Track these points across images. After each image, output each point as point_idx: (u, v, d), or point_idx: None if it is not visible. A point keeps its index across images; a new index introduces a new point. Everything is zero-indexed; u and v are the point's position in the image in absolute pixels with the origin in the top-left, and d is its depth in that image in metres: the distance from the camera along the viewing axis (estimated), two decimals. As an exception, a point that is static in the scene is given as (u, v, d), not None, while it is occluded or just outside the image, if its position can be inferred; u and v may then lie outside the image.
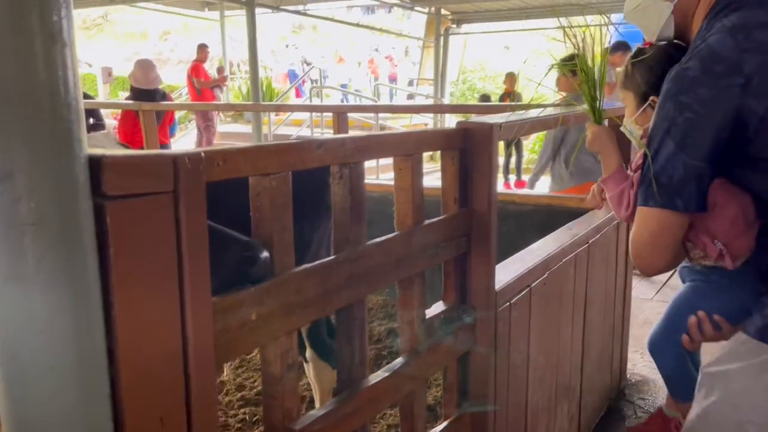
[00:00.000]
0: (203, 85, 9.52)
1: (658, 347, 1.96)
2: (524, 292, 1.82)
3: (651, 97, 1.31)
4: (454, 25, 13.68)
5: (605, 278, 2.63)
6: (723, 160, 1.12)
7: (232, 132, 11.80)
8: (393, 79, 19.25)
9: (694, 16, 1.25)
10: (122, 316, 0.74)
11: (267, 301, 1.01)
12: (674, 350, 1.72)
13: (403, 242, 1.37)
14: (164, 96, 6.21)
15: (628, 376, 3.15)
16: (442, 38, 13.28)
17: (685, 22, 1.27)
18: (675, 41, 1.38)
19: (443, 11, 13.10)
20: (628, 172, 1.39)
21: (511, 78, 10.07)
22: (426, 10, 13.00)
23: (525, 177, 9.62)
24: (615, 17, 12.12)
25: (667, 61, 1.28)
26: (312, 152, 1.12)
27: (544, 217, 3.10)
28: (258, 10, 9.53)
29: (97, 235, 0.72)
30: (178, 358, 0.82)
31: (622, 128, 1.46)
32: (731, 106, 1.07)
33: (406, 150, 1.39)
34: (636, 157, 1.39)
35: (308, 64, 18.99)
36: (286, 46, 22.72)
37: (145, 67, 5.72)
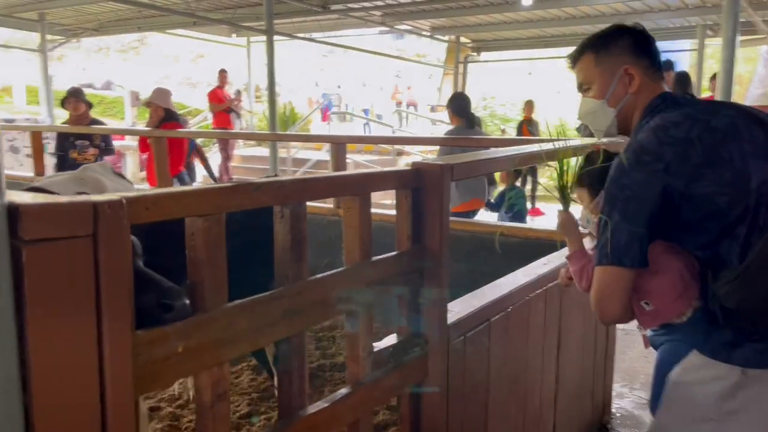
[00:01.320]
0: (215, 109, 9.75)
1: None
2: (482, 325, 1.88)
3: (602, 192, 1.60)
4: (474, 53, 13.82)
5: (584, 311, 2.65)
6: (659, 225, 1.42)
7: (253, 156, 12.02)
8: (411, 105, 19.47)
9: (632, 117, 1.60)
10: (37, 350, 0.83)
11: (195, 335, 1.09)
12: None
13: (348, 277, 1.44)
14: (183, 122, 6.38)
15: (613, 410, 3.15)
16: (461, 65, 13.43)
17: (626, 122, 1.61)
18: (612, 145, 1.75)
19: (463, 39, 13.26)
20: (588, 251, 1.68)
21: (529, 105, 10.14)
22: (446, 38, 13.18)
23: (539, 204, 9.65)
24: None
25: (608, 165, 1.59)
26: (250, 194, 1.21)
27: (531, 250, 3.14)
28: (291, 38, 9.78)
29: (15, 275, 0.81)
30: (94, 389, 0.90)
31: (579, 217, 1.76)
32: (659, 184, 1.40)
33: (352, 190, 1.47)
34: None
35: (337, 88, 19.29)
36: (320, 70, 23.06)
37: (161, 94, 5.92)
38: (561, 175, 1.69)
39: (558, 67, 19.03)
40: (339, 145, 3.82)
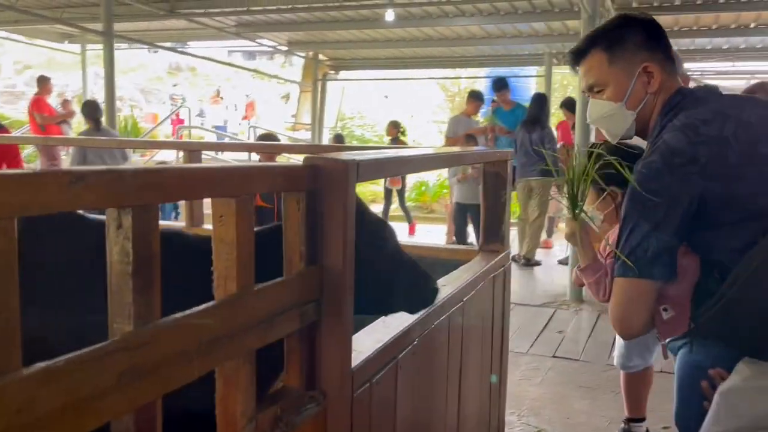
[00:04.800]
0: (47, 121, 8.66)
1: (684, 426, 1.72)
2: (389, 366, 1.50)
3: (611, 187, 1.51)
4: (332, 71, 13.62)
5: (481, 337, 2.37)
6: (688, 230, 1.31)
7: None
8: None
9: (651, 118, 1.46)
10: None
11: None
12: (703, 420, 1.52)
13: (221, 315, 1.00)
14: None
15: (506, 441, 2.90)
16: (319, 83, 13.15)
17: (645, 123, 1.47)
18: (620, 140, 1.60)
19: (321, 56, 13.01)
20: (600, 260, 1.57)
21: (394, 126, 9.98)
22: (303, 54, 12.85)
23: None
24: (492, 71, 12.64)
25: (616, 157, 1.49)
26: (64, 189, 0.74)
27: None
28: (134, 48, 8.91)
29: None
30: None
31: (583, 214, 1.60)
32: (694, 189, 1.28)
33: (229, 190, 1.03)
34: (608, 244, 1.56)
35: (182, 104, 18.14)
36: (173, 86, 21.66)
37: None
38: (572, 182, 1.52)
39: (413, 90, 19.49)
40: (192, 154, 3.29)
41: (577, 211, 1.55)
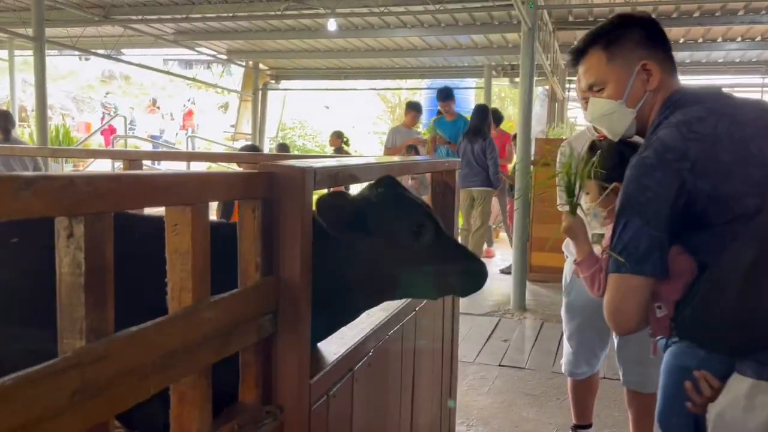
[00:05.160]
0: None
1: (666, 424, 1.71)
2: (346, 378, 1.47)
3: (614, 183, 1.49)
4: (273, 81, 13.50)
5: (432, 348, 2.37)
6: (679, 228, 1.30)
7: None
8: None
9: (650, 116, 1.46)
10: None
11: None
12: (684, 421, 1.55)
13: (177, 328, 0.95)
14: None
15: (456, 452, 2.90)
16: (260, 93, 13.00)
17: (644, 121, 1.47)
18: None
19: (262, 66, 12.88)
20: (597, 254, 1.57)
21: (337, 136, 9.93)
22: (243, 63, 12.68)
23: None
24: (432, 82, 12.78)
25: (618, 154, 1.52)
26: (11, 196, 0.69)
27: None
28: (65, 54, 8.56)
29: None
30: None
31: (586, 209, 1.62)
32: (684, 186, 1.28)
33: (185, 197, 0.99)
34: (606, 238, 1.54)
35: (116, 112, 17.55)
36: (106, 94, 20.89)
37: None
38: (570, 176, 1.53)
39: (355, 101, 19.52)
40: (133, 163, 3.18)
41: (574, 205, 1.55)
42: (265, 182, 1.19)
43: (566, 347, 2.70)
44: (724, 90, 1.47)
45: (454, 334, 2.70)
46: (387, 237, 1.38)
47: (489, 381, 3.82)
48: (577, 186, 1.53)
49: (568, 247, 2.66)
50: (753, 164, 1.27)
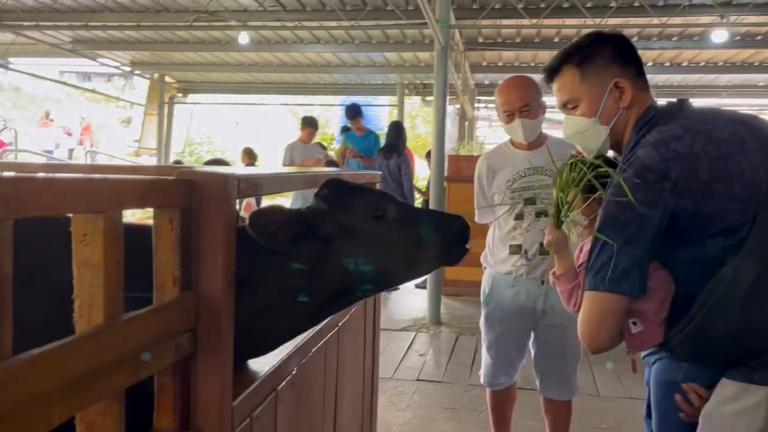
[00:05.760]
0: None
1: None
2: (269, 399, 1.39)
3: (598, 192, 1.48)
4: (180, 94, 13.09)
5: (354, 365, 2.31)
6: (659, 247, 1.31)
7: None
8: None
9: (624, 133, 1.48)
10: None
11: None
12: (681, 431, 1.56)
13: (85, 350, 0.86)
14: None
15: (377, 470, 2.85)
16: (166, 106, 12.56)
17: (618, 138, 1.49)
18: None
19: (168, 78, 12.47)
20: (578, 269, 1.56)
21: (248, 154, 9.69)
22: (148, 75, 12.23)
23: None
24: (345, 99, 12.79)
25: (597, 166, 1.51)
26: None
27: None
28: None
29: None
30: None
31: (569, 218, 1.63)
32: (666, 206, 1.28)
33: (96, 205, 0.89)
34: (582, 252, 1.56)
35: (5, 125, 16.41)
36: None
37: None
38: (561, 191, 1.54)
39: (266, 116, 19.24)
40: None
41: (561, 219, 1.56)
42: (185, 190, 1.11)
43: (485, 358, 2.71)
44: (691, 102, 1.49)
45: (375, 349, 2.66)
46: (348, 233, 1.31)
47: (407, 396, 3.79)
48: (568, 202, 1.54)
49: (486, 258, 2.69)
50: (733, 180, 1.28)
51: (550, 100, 2.01)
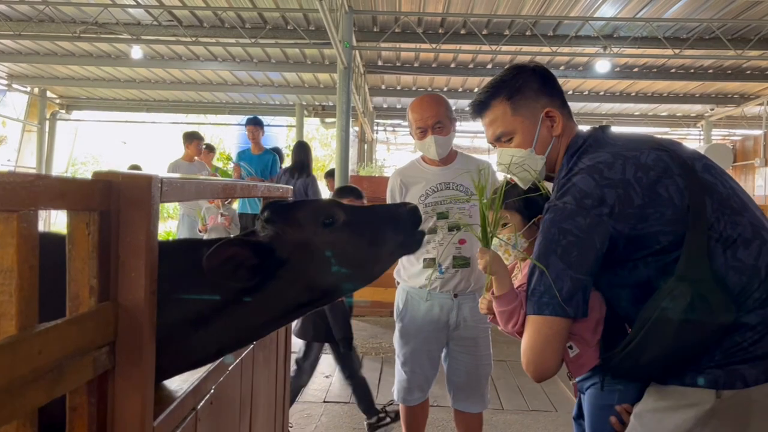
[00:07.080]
0: None
1: None
2: (189, 418, 1.31)
3: (538, 216, 1.51)
4: (63, 111, 12.35)
5: (267, 382, 2.23)
6: (598, 270, 1.34)
7: None
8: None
9: (557, 160, 1.53)
10: None
11: None
12: None
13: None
14: None
15: (289, 495, 2.75)
16: (47, 123, 11.80)
17: (552, 166, 1.54)
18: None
19: (50, 93, 11.74)
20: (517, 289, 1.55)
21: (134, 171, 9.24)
22: (27, 89, 11.45)
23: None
24: (242, 119, 12.53)
25: (532, 190, 1.58)
26: None
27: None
28: None
29: None
30: None
31: (507, 239, 1.68)
32: (604, 230, 1.31)
33: (8, 203, 0.81)
34: (521, 276, 1.59)
35: None
36: None
37: None
38: (484, 212, 1.54)
39: (157, 134, 18.51)
40: None
41: (489, 237, 1.54)
42: (103, 191, 1.02)
43: (399, 374, 2.70)
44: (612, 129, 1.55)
45: (287, 366, 2.59)
46: (304, 248, 1.29)
47: (315, 418, 3.71)
48: (492, 222, 1.53)
49: (400, 273, 2.70)
50: (663, 204, 1.31)
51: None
